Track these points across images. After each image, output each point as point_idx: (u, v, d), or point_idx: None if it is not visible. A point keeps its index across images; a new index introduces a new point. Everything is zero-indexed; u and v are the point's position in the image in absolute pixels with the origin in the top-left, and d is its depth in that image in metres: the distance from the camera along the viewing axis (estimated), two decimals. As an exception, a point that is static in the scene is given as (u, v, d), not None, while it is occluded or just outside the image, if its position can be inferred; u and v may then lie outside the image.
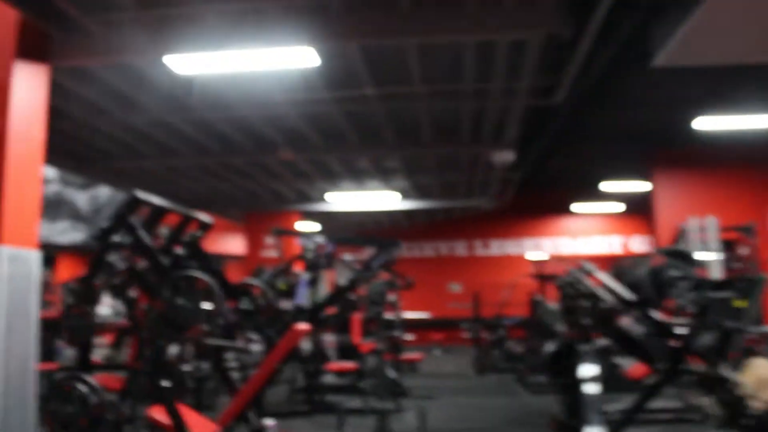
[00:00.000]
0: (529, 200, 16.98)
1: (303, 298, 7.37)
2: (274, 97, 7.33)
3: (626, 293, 4.64)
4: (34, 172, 5.39)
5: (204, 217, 5.20)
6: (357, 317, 8.53)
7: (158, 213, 4.66)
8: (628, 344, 4.92)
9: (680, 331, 4.72)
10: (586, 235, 18.96)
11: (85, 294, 4.33)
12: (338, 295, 8.16)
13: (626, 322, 4.91)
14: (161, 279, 4.17)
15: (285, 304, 7.54)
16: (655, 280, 5.30)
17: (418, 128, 8.84)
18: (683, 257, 5.36)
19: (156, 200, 4.52)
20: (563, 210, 18.04)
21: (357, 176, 11.84)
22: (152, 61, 6.13)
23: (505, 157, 9.20)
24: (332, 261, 8.49)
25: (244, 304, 5.31)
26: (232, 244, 17.37)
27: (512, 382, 10.29)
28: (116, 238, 4.44)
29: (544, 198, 17.76)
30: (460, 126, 8.72)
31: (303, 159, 10.20)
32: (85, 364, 4.24)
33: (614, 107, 9.30)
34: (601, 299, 4.29)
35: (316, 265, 7.84)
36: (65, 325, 4.26)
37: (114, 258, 4.52)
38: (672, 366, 4.59)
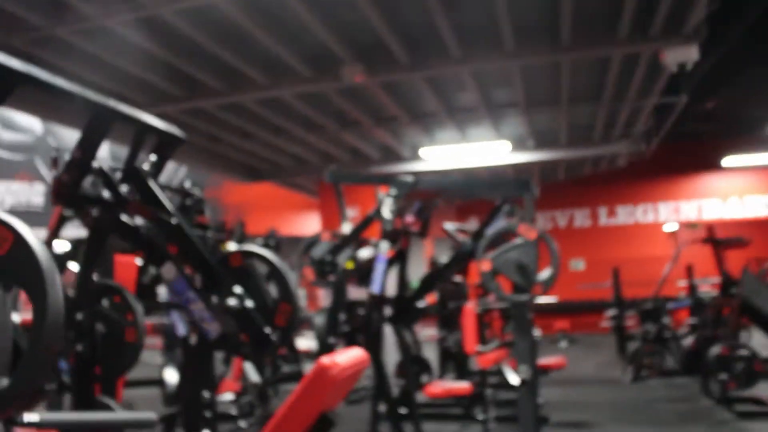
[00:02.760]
0: (665, 156, 13.53)
1: (381, 281, 4.37)
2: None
3: None
4: None
5: (164, 126, 2.50)
6: (470, 311, 5.40)
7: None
8: None
9: None
10: (740, 195, 15.60)
11: None
12: (436, 277, 5.28)
13: None
14: None
15: (357, 293, 4.68)
16: None
17: (556, 17, 5.71)
18: None
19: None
20: (711, 166, 14.98)
21: (457, 118, 8.77)
22: None
23: (685, 54, 5.88)
24: (427, 226, 5.47)
25: (235, 299, 2.43)
26: (304, 223, 14.55)
27: (697, 393, 6.91)
28: None
29: (686, 152, 14.88)
30: (621, 9, 5.51)
31: (379, 84, 7.16)
32: None
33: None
34: None
35: (398, 231, 4.78)
36: None
37: None
38: None
